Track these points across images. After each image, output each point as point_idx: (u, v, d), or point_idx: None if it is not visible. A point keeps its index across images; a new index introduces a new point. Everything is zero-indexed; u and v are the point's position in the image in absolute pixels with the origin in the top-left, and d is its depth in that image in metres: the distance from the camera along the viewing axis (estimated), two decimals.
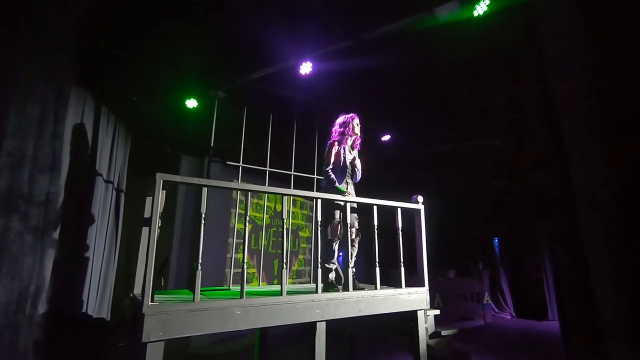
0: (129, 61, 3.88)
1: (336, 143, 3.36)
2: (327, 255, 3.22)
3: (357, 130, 3.44)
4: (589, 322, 1.25)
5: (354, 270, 3.19)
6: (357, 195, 3.39)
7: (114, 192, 3.93)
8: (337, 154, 3.33)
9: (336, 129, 3.47)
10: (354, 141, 3.46)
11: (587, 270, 1.24)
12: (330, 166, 3.28)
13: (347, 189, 3.30)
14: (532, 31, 1.57)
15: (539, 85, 1.51)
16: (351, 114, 3.49)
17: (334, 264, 3.14)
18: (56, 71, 2.11)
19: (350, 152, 3.42)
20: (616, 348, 1.18)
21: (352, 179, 3.41)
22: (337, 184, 3.19)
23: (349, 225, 2.98)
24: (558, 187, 1.40)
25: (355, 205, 3.29)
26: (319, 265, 2.77)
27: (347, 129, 3.40)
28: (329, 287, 3.09)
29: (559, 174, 1.39)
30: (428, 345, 3.21)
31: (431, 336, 3.41)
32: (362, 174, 3.45)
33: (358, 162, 3.40)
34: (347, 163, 3.33)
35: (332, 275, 3.15)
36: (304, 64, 4.31)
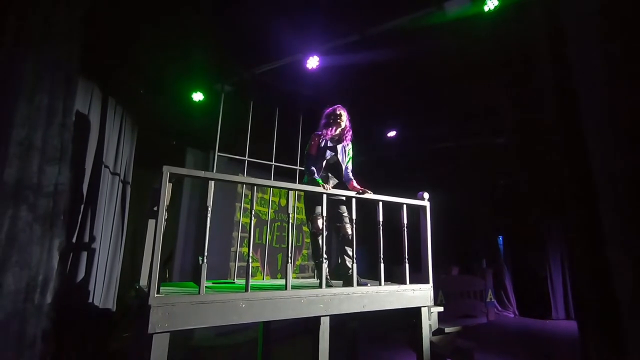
0: (136, 53, 3.88)
1: (317, 136, 3.27)
2: (314, 250, 3.13)
3: (341, 121, 3.29)
4: (607, 323, 1.23)
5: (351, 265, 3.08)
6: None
7: (121, 184, 3.96)
8: (317, 146, 3.23)
9: (321, 120, 3.37)
10: (341, 133, 3.31)
11: (607, 269, 1.22)
12: (310, 158, 3.21)
13: (328, 182, 3.17)
14: (551, 21, 1.53)
15: (557, 75, 1.48)
16: (336, 105, 3.37)
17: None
18: (64, 62, 2.11)
19: (334, 145, 3.27)
20: (636, 349, 1.16)
21: (334, 173, 3.26)
22: (315, 175, 3.07)
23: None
24: (577, 182, 1.37)
25: (343, 199, 3.18)
26: (324, 261, 2.77)
27: (330, 120, 3.30)
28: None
29: (578, 168, 1.36)
30: (430, 342, 3.21)
31: (434, 333, 3.41)
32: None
33: (342, 157, 3.25)
34: (327, 156, 3.21)
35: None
36: (310, 58, 4.28)
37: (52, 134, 1.89)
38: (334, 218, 3.19)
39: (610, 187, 1.26)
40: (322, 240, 2.89)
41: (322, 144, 3.23)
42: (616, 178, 1.24)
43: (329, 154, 3.23)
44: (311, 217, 3.09)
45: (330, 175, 3.25)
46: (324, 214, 2.80)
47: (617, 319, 1.23)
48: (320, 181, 2.97)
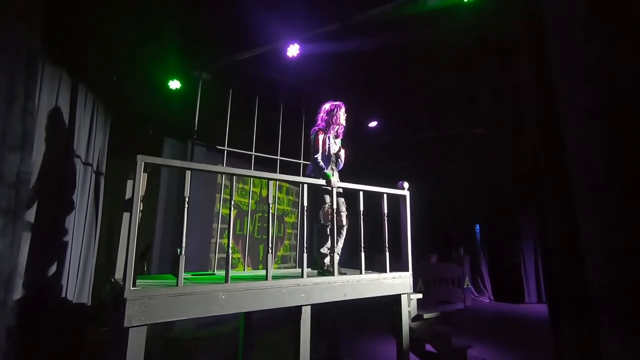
0: (108, 38, 3.69)
1: (322, 131, 3.35)
2: (322, 241, 3.22)
3: (343, 119, 3.44)
4: (579, 307, 1.27)
5: (338, 254, 3.21)
6: (342, 181, 3.38)
7: (93, 175, 3.80)
8: (324, 142, 3.32)
9: (322, 116, 3.43)
10: (337, 130, 3.44)
11: (581, 261, 1.26)
12: (319, 154, 3.26)
13: (333, 176, 3.29)
14: (530, 11, 1.54)
15: (536, 68, 1.49)
16: (338, 102, 3.45)
17: (329, 248, 3.13)
18: (27, 42, 1.97)
19: (334, 141, 3.42)
20: (609, 334, 1.20)
21: (336, 166, 3.43)
22: (326, 170, 3.20)
23: (335, 210, 2.99)
24: (554, 175, 1.40)
25: (341, 191, 3.30)
26: (305, 251, 2.77)
27: (334, 117, 3.38)
28: (325, 272, 3.08)
29: (555, 161, 1.39)
30: (410, 328, 3.28)
31: (413, 319, 3.49)
32: (345, 161, 3.47)
33: (342, 152, 3.42)
34: (332, 152, 3.35)
35: (327, 260, 3.15)
36: (291, 46, 4.20)
37: (13, 120, 1.77)
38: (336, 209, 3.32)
39: (586, 180, 1.29)
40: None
41: (328, 140, 3.34)
42: (593, 172, 1.27)
43: (334, 149, 3.37)
44: (322, 208, 3.20)
45: (334, 168, 3.39)
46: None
47: (589, 308, 1.27)
48: (330, 175, 3.10)
